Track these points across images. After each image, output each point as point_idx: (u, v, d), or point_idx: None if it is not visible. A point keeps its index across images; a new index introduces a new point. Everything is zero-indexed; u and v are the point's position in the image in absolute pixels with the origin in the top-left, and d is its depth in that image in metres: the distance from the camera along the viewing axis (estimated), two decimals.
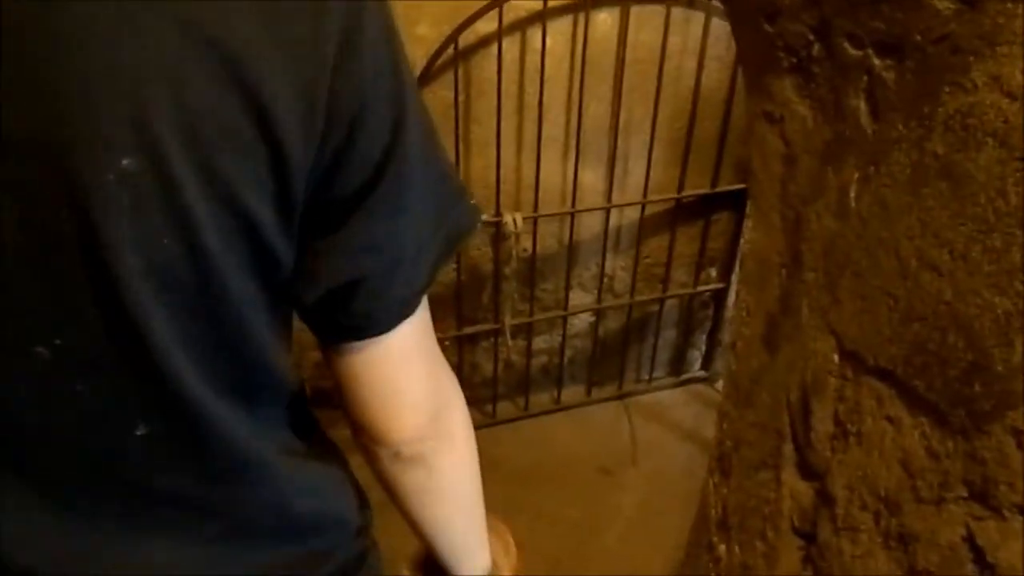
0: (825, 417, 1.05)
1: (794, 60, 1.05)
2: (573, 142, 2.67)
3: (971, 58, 0.71)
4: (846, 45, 0.92)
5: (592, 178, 2.76)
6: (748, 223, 1.46)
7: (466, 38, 2.44)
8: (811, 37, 0.98)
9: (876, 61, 0.87)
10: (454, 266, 2.75)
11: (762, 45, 1.10)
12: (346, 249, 0.53)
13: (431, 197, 0.56)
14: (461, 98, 2.52)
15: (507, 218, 2.65)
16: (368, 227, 0.52)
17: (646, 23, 2.56)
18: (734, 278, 3.01)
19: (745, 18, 1.11)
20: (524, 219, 2.66)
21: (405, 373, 0.61)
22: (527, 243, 2.78)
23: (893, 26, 0.81)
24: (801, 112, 1.08)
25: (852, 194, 0.96)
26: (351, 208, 0.52)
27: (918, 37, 0.77)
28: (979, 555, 0.73)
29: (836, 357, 0.99)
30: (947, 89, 0.75)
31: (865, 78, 0.90)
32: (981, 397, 0.72)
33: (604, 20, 2.56)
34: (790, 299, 1.16)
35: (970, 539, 0.74)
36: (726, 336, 2.97)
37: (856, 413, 0.96)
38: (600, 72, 2.60)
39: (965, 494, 0.76)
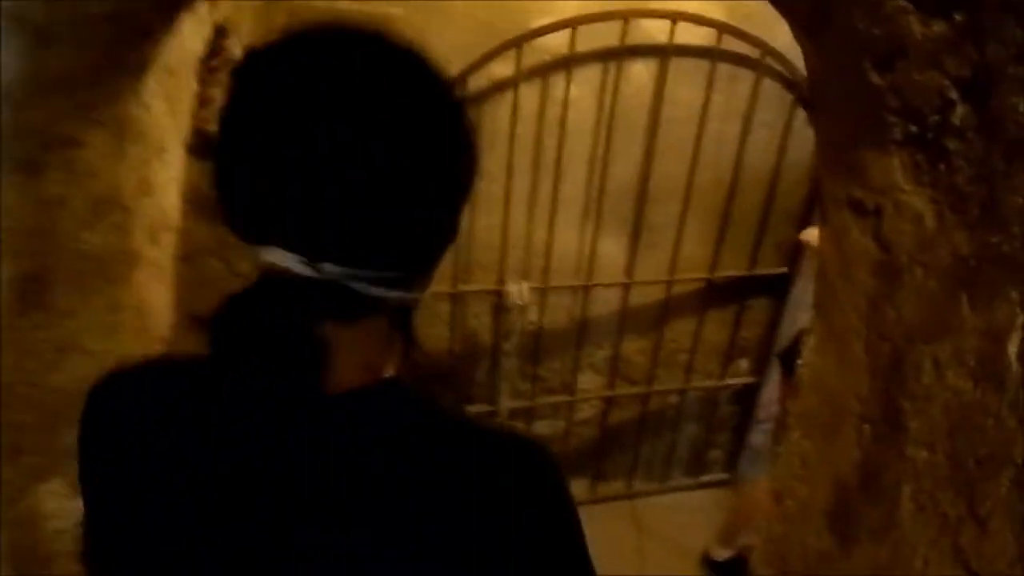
0: None
1: (914, 129, 0.70)
2: (593, 206, 2.33)
3: None
4: (1022, 108, 0.56)
5: (613, 248, 2.41)
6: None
7: (479, 81, 2.13)
8: (954, 95, 0.63)
9: None
10: (447, 336, 2.41)
11: (862, 103, 0.75)
12: None
13: None
14: None
15: (511, 287, 2.31)
16: None
17: (686, 78, 2.24)
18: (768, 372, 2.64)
19: (840, 61, 0.76)
20: (531, 289, 2.33)
21: None
22: (533, 316, 2.43)
23: None
24: (916, 206, 0.73)
25: (1012, 348, 0.59)
26: None
27: None
28: None
29: None
30: None
31: None
32: None
33: (639, 71, 2.24)
34: (879, 473, 0.79)
35: None
36: (752, 439, 2.57)
37: None
38: (630, 129, 2.27)
39: None
